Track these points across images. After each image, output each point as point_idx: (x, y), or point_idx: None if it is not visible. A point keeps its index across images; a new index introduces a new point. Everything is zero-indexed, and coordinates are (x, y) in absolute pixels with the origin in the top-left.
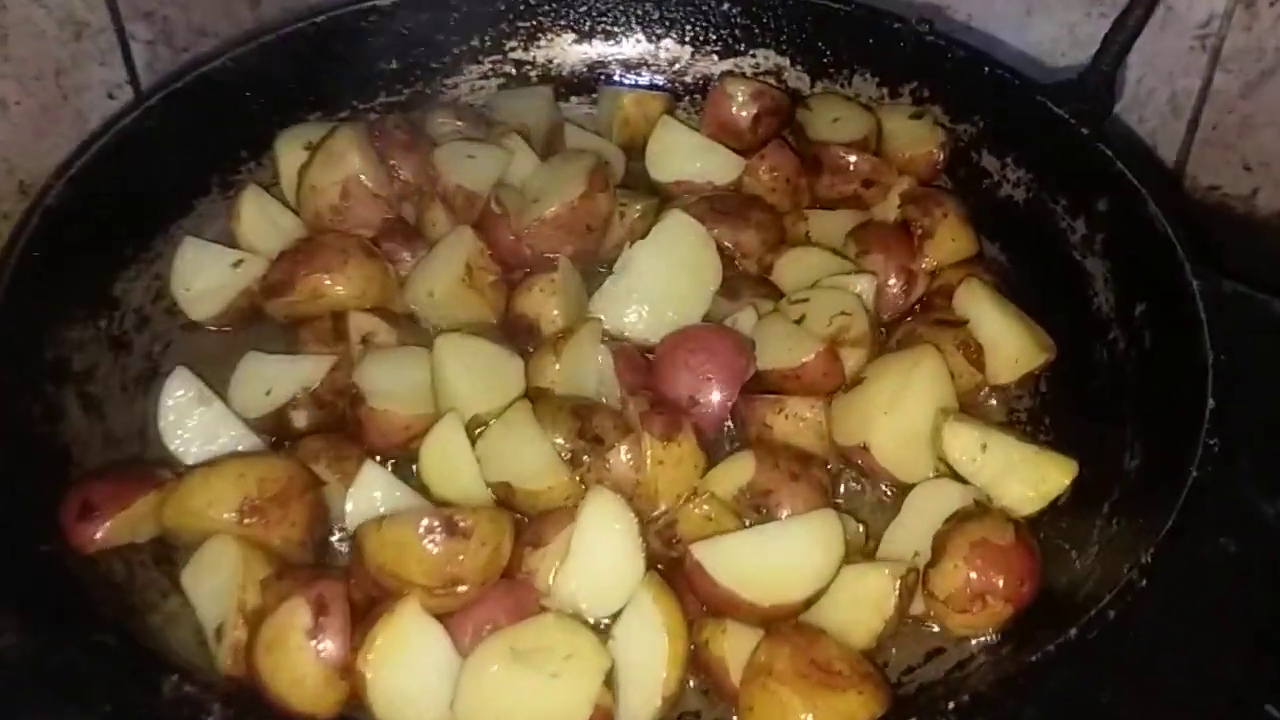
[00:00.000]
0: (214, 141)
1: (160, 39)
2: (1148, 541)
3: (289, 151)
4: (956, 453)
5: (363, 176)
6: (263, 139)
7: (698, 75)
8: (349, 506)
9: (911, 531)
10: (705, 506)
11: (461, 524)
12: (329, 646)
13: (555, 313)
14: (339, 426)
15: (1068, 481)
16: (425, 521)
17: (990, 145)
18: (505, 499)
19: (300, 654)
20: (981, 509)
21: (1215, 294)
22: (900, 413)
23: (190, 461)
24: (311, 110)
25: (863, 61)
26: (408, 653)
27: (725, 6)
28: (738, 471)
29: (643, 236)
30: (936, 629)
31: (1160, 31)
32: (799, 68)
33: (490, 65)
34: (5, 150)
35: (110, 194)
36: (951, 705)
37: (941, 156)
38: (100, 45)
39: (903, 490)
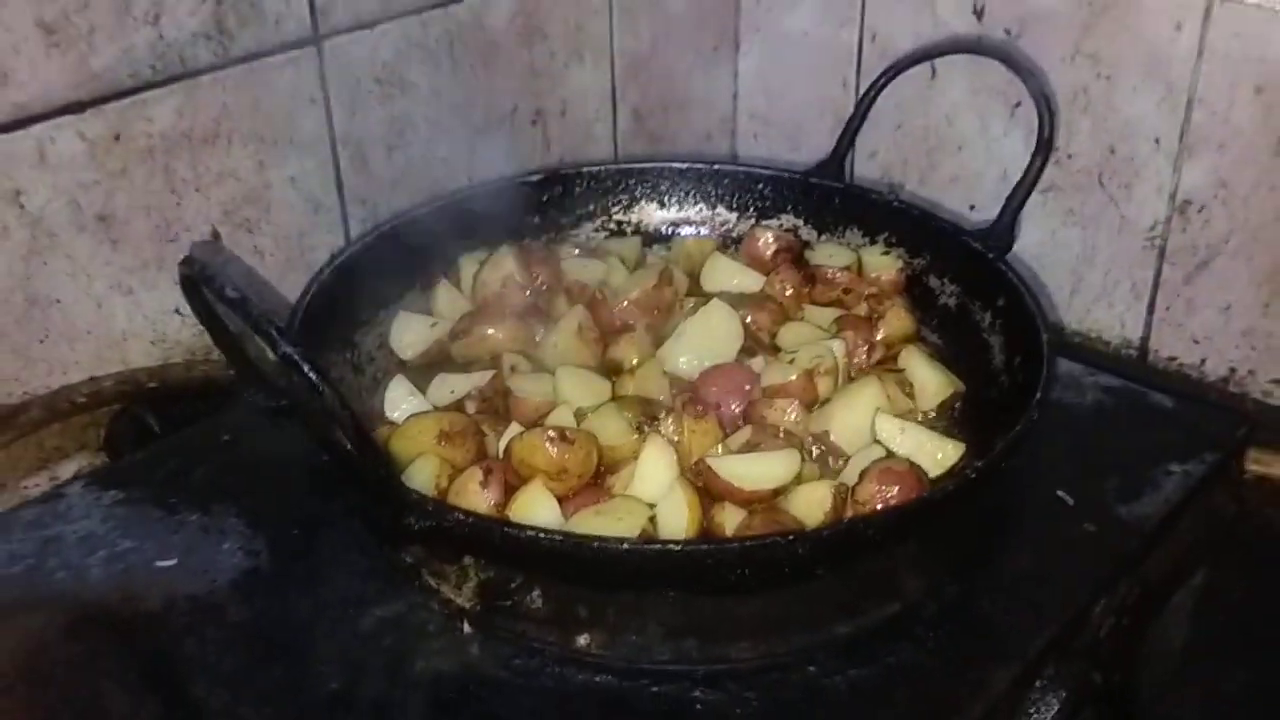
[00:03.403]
0: (415, 259)
1: (369, 217)
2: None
3: (468, 264)
4: (883, 434)
5: (516, 275)
6: (447, 260)
7: (740, 231)
8: (501, 444)
9: (851, 476)
10: (719, 451)
11: (569, 435)
12: (491, 494)
13: (634, 358)
14: (495, 412)
15: (958, 456)
16: (549, 433)
17: (935, 271)
18: None
19: (475, 496)
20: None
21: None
22: (850, 412)
23: None
24: (478, 248)
25: (852, 221)
26: (535, 511)
27: (760, 186)
28: (742, 436)
29: (692, 315)
30: None
31: (1119, 235)
32: (809, 226)
33: (599, 223)
34: (258, 288)
35: (354, 280)
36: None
37: (902, 279)
38: (329, 219)
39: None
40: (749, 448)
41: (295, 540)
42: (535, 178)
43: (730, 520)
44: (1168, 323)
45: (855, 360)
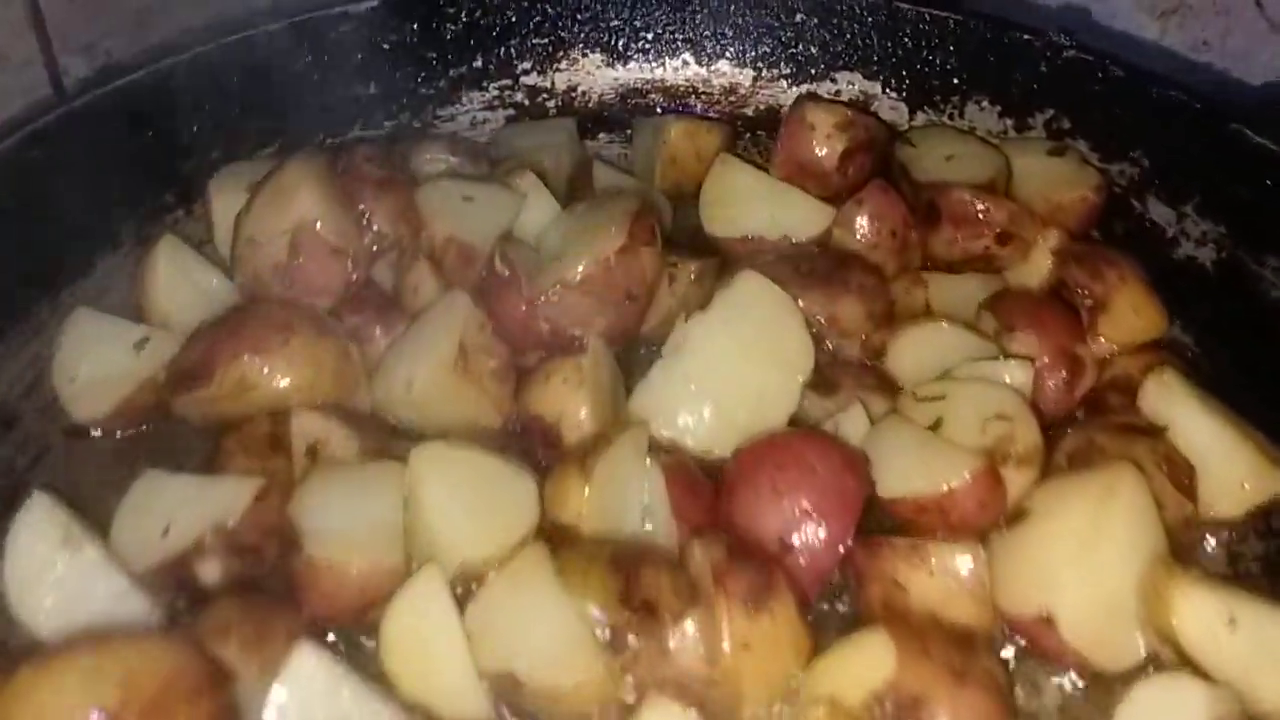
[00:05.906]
0: (129, 180)
1: (97, 71)
2: None
3: (225, 194)
4: (1193, 629)
5: (319, 224)
6: (198, 180)
7: (762, 106)
8: (269, 714)
9: None
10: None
11: None
12: None
13: (583, 413)
14: (264, 585)
15: None
16: None
17: (1160, 190)
18: (510, 697)
19: None
20: None
21: None
22: (1095, 566)
23: (45, 635)
24: (263, 145)
25: (980, 85)
26: None
27: (799, 18)
28: (869, 664)
29: (701, 308)
30: None
31: None
32: (894, 94)
33: (497, 92)
34: None
35: None
36: None
37: (1097, 202)
38: (24, 81)
39: (1093, 680)
40: (902, 709)
41: None
42: (375, 2)
43: None
44: None
45: (1048, 397)
